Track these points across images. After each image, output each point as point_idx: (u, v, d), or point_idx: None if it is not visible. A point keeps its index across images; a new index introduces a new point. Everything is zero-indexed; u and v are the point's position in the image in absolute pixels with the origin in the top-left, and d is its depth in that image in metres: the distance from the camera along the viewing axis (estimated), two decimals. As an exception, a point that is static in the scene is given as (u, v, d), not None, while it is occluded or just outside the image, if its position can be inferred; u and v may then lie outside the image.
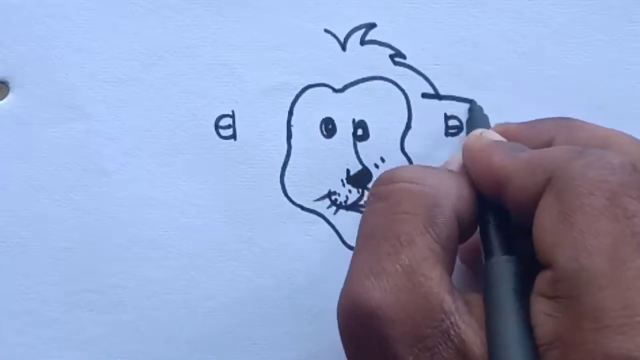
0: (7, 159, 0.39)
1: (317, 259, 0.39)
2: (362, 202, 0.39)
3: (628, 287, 0.26)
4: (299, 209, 0.39)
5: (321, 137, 0.39)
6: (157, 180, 0.39)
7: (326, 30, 0.39)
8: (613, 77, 0.39)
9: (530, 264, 0.29)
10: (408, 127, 0.39)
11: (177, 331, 0.39)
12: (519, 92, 0.39)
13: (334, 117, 0.39)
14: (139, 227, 0.39)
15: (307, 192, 0.39)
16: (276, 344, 0.39)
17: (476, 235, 0.33)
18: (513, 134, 0.35)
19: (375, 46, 0.39)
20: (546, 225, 0.28)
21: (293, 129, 0.39)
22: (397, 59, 0.39)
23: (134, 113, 0.39)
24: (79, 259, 0.39)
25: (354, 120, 0.39)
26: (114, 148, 0.39)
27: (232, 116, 0.39)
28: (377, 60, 0.39)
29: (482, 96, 0.39)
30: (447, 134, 0.39)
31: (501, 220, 0.32)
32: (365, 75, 0.39)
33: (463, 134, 0.39)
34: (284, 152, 0.39)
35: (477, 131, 0.35)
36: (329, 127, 0.39)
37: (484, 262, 0.31)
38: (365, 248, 0.31)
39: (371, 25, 0.39)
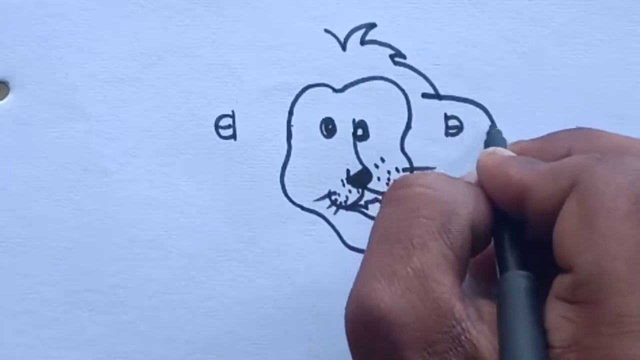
0: (7, 159, 0.39)
1: (317, 259, 0.39)
2: (362, 202, 0.39)
3: None
4: (299, 209, 0.39)
5: (321, 137, 0.39)
6: (157, 180, 0.39)
7: (326, 30, 0.39)
8: (613, 77, 0.39)
9: (542, 281, 0.29)
10: (408, 127, 0.39)
11: (177, 331, 0.39)
12: (519, 92, 0.39)
13: (334, 117, 0.39)
14: (139, 227, 0.39)
15: (307, 192, 0.39)
16: (276, 344, 0.39)
17: (486, 252, 0.33)
18: (527, 150, 0.35)
19: (375, 46, 0.39)
20: (568, 229, 0.28)
21: (293, 129, 0.39)
22: (397, 59, 0.39)
23: (134, 113, 0.39)
24: (79, 259, 0.39)
25: (354, 120, 0.39)
26: (114, 148, 0.39)
27: (232, 116, 0.39)
28: (377, 60, 0.39)
29: (482, 96, 0.39)
30: (447, 134, 0.39)
31: (517, 236, 0.32)
32: (365, 75, 0.39)
33: (463, 134, 0.39)
34: (284, 152, 0.39)
35: (489, 149, 0.35)
36: (329, 127, 0.39)
37: (498, 276, 0.31)
38: (376, 250, 0.30)
39: (371, 25, 0.39)
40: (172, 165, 0.39)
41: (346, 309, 0.30)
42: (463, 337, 0.28)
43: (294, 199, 0.39)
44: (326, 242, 0.39)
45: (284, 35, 0.39)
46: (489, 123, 0.39)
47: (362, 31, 0.39)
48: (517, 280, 0.29)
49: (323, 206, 0.39)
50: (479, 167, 0.33)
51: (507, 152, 0.34)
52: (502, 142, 0.37)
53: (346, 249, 0.39)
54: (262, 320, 0.39)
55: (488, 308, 0.29)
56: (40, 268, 0.39)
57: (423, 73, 0.39)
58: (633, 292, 0.26)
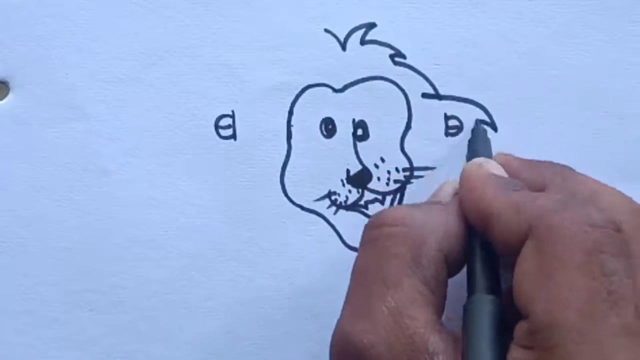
0: (7, 159, 0.39)
1: (317, 259, 0.39)
2: (362, 202, 0.39)
3: (601, 343, 0.26)
4: (299, 209, 0.39)
5: (321, 137, 0.39)
6: (157, 180, 0.39)
7: (326, 30, 0.39)
8: (613, 77, 0.39)
9: (514, 314, 0.29)
10: (408, 127, 0.39)
11: (177, 331, 0.39)
12: (519, 92, 0.39)
13: (334, 117, 0.39)
14: (139, 227, 0.39)
15: (307, 192, 0.39)
16: (276, 344, 0.39)
17: None
18: (513, 169, 0.35)
19: (375, 46, 0.39)
20: (525, 274, 0.29)
21: (293, 129, 0.39)
22: (397, 59, 0.39)
23: (134, 113, 0.39)
24: (79, 259, 0.39)
25: (354, 120, 0.39)
26: (114, 148, 0.39)
27: (232, 116, 0.39)
28: (377, 60, 0.39)
29: (482, 96, 0.39)
30: (447, 134, 0.39)
31: (488, 255, 0.32)
32: (365, 75, 0.39)
33: (463, 134, 0.39)
34: (284, 152, 0.39)
35: (479, 160, 0.35)
36: (329, 127, 0.39)
37: (466, 296, 0.31)
38: (356, 289, 0.32)
39: (371, 25, 0.39)
40: (172, 165, 0.39)
41: (331, 341, 0.32)
42: None
43: (294, 199, 0.39)
44: (326, 242, 0.39)
45: (284, 35, 0.39)
46: (488, 123, 0.39)
47: (362, 31, 0.39)
48: (483, 304, 0.30)
49: (323, 206, 0.39)
50: (462, 178, 0.34)
51: (493, 168, 0.35)
52: (486, 142, 0.37)
53: (346, 249, 0.39)
54: (262, 320, 0.39)
55: None
56: (40, 268, 0.39)
57: (423, 73, 0.39)
58: (585, 341, 0.26)
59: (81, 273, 0.39)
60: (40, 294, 0.39)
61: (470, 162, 0.35)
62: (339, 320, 0.32)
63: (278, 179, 0.39)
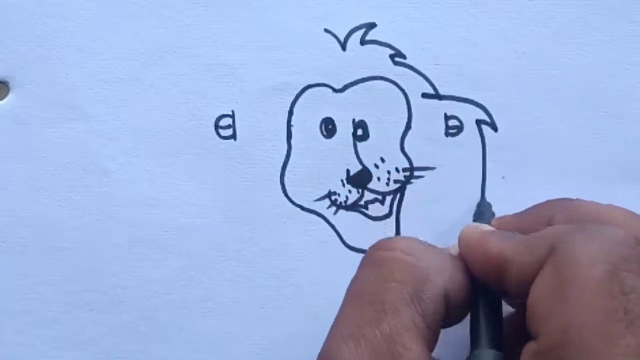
0: (7, 159, 0.39)
1: (317, 259, 0.39)
2: (362, 202, 0.39)
3: None
4: (299, 209, 0.39)
5: (321, 137, 0.39)
6: (157, 180, 0.39)
7: (326, 30, 0.39)
8: (613, 77, 0.39)
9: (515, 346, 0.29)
10: (408, 127, 0.39)
11: (177, 331, 0.39)
12: (519, 92, 0.39)
13: (334, 117, 0.39)
14: (139, 227, 0.39)
15: (307, 192, 0.39)
16: (276, 344, 0.39)
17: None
18: (511, 224, 0.35)
19: (375, 46, 0.39)
20: (540, 295, 0.28)
21: (293, 129, 0.39)
22: (397, 59, 0.39)
23: (134, 113, 0.39)
24: (79, 259, 0.39)
25: (353, 120, 0.39)
26: (114, 148, 0.39)
27: (232, 116, 0.39)
28: (377, 60, 0.39)
29: (482, 96, 0.39)
30: (447, 134, 0.39)
31: (493, 310, 0.32)
32: (365, 75, 0.39)
33: (463, 134, 0.39)
34: (284, 152, 0.39)
35: (472, 225, 0.35)
36: (329, 127, 0.39)
37: (470, 351, 0.31)
38: (348, 310, 0.31)
39: (371, 25, 0.39)
40: (172, 165, 0.39)
41: (318, 357, 0.31)
42: None
43: (294, 199, 0.39)
44: (326, 242, 0.39)
45: (284, 35, 0.39)
46: (488, 123, 0.39)
47: (362, 31, 0.39)
48: (487, 359, 0.30)
49: (323, 206, 0.39)
50: (461, 241, 0.34)
51: (488, 227, 0.34)
52: (490, 216, 0.37)
53: (346, 249, 0.39)
54: (262, 320, 0.39)
55: None
56: (40, 268, 0.39)
57: (423, 73, 0.39)
58: None
59: (81, 273, 0.39)
60: (40, 294, 0.39)
61: (465, 227, 0.35)
62: (324, 344, 0.31)
63: (278, 179, 0.39)
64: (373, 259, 0.32)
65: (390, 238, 0.33)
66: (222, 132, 0.39)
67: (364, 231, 0.39)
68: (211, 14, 0.39)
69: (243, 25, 0.39)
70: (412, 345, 0.29)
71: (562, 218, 0.33)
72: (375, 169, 0.39)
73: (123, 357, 0.39)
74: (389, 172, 0.39)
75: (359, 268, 0.33)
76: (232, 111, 0.39)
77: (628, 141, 0.39)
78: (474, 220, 0.37)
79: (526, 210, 0.36)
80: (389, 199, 0.39)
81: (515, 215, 0.36)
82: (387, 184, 0.39)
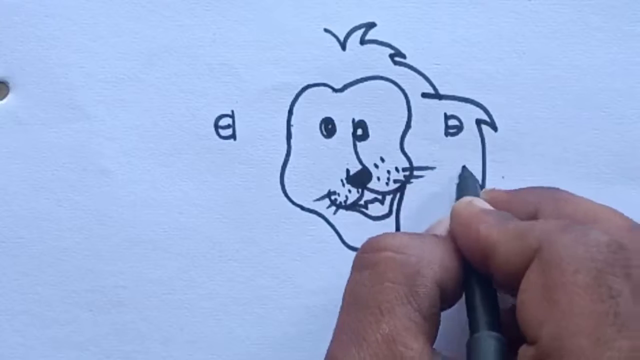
0: (7, 159, 0.39)
1: (317, 259, 0.39)
2: (362, 202, 0.39)
3: None
4: (298, 209, 0.39)
5: (321, 137, 0.39)
6: (157, 180, 0.39)
7: (326, 30, 0.39)
8: (613, 77, 0.39)
9: (514, 336, 0.29)
10: (408, 127, 0.39)
11: (177, 331, 0.39)
12: (519, 92, 0.39)
13: (333, 117, 0.39)
14: (139, 227, 0.39)
15: (307, 192, 0.39)
16: (276, 344, 0.39)
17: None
18: (501, 202, 0.35)
19: (375, 46, 0.39)
20: (530, 300, 0.29)
21: (293, 129, 0.39)
22: (397, 59, 0.39)
23: (134, 113, 0.39)
24: (79, 259, 0.39)
25: (353, 120, 0.39)
26: (114, 148, 0.39)
27: (232, 116, 0.39)
28: (377, 60, 0.39)
29: (482, 96, 0.39)
30: (447, 134, 0.39)
31: (487, 291, 0.32)
32: (365, 75, 0.39)
33: (463, 134, 0.39)
34: (284, 152, 0.39)
35: (467, 199, 0.35)
36: (328, 127, 0.39)
37: (469, 334, 0.31)
38: (348, 316, 0.32)
39: (371, 25, 0.39)
40: (172, 165, 0.39)
41: None
42: None
43: (293, 199, 0.39)
44: (326, 242, 0.39)
45: (284, 35, 0.39)
46: (488, 123, 0.39)
47: (361, 31, 0.39)
48: (487, 342, 0.30)
49: (323, 206, 0.39)
50: (453, 217, 0.34)
51: (483, 205, 0.34)
52: (474, 185, 0.37)
53: (346, 249, 0.39)
54: (262, 320, 0.39)
55: None
56: (40, 268, 0.39)
57: (423, 73, 0.39)
58: None
59: (81, 273, 0.39)
60: (40, 294, 0.39)
61: (459, 200, 0.35)
62: (328, 349, 0.31)
63: (278, 179, 0.39)
64: (363, 262, 0.32)
65: (376, 237, 0.33)
66: (222, 132, 0.39)
67: (364, 231, 0.39)
68: (211, 14, 0.39)
69: (243, 25, 0.39)
70: (412, 343, 0.30)
71: (548, 211, 0.33)
72: (375, 169, 0.39)
73: (123, 357, 0.39)
74: (388, 172, 0.39)
75: (351, 273, 0.33)
76: (232, 111, 0.39)
77: (628, 141, 0.39)
78: (458, 192, 0.37)
79: (516, 191, 0.36)
80: (388, 198, 0.39)
81: (507, 193, 0.36)
82: (387, 184, 0.39)
